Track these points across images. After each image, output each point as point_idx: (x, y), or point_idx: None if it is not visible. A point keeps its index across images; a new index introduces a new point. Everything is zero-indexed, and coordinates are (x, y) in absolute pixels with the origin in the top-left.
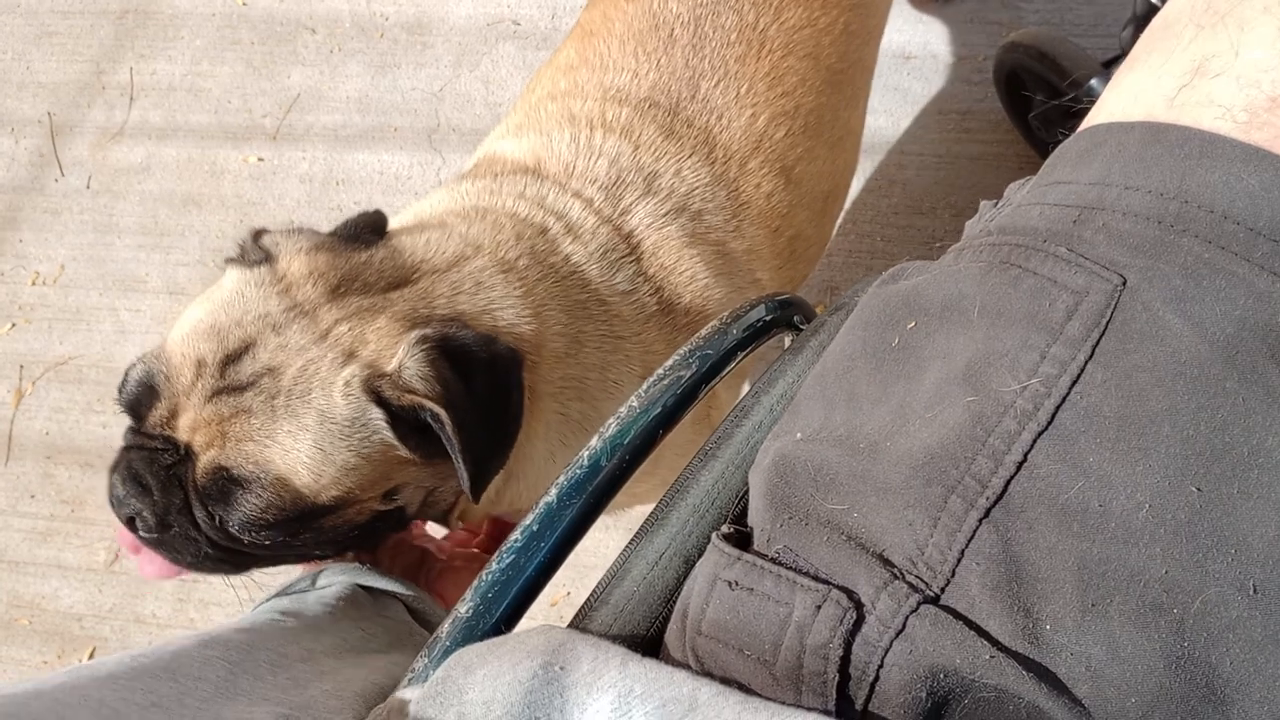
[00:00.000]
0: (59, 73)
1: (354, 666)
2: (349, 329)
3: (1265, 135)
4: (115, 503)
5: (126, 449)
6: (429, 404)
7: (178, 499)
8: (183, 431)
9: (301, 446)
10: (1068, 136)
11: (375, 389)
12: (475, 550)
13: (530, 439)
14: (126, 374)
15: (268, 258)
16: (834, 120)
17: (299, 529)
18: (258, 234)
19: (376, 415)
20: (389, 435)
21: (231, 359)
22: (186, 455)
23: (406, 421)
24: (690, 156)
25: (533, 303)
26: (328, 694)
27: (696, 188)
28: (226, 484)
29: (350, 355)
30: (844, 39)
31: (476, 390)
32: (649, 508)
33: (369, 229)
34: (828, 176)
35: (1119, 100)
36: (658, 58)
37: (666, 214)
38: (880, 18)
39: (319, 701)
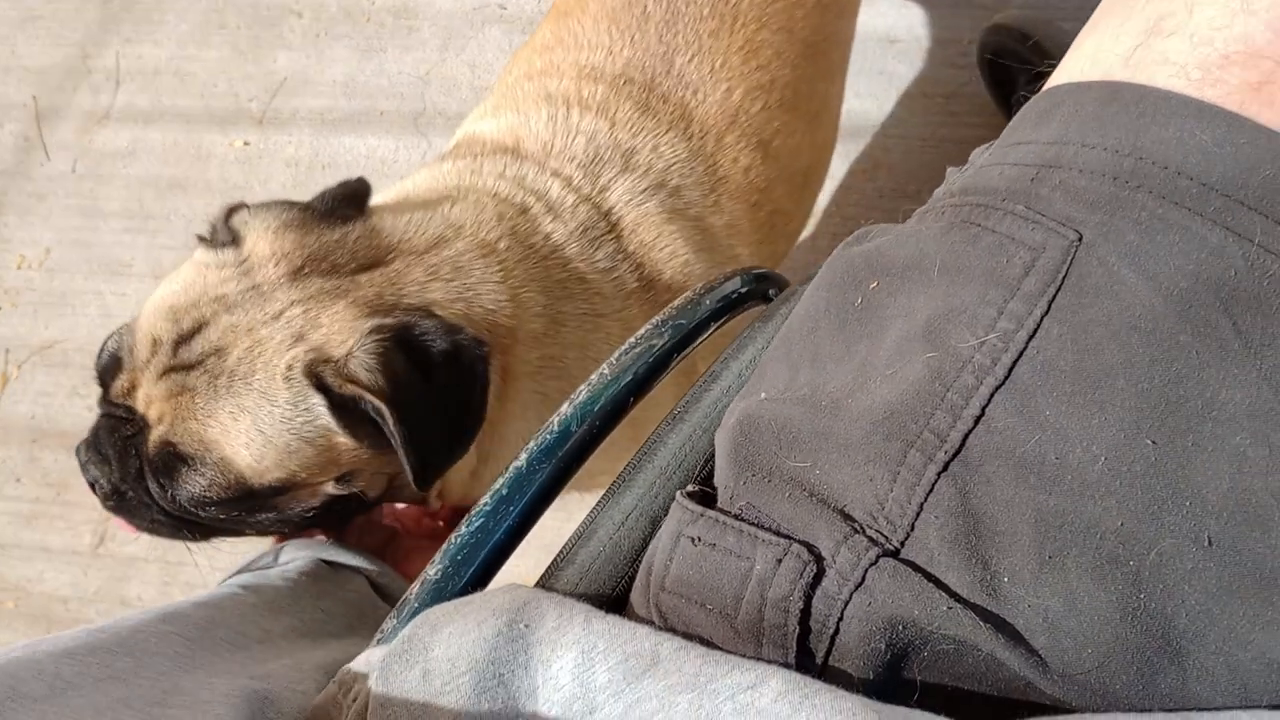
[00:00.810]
0: (44, 56)
1: (309, 650)
2: (303, 312)
3: (1218, 92)
4: (80, 467)
5: (99, 416)
6: (369, 397)
7: (134, 468)
8: (140, 403)
9: (241, 427)
10: None
11: (317, 374)
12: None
13: (507, 420)
14: (104, 344)
15: (234, 239)
16: (810, 94)
17: (249, 507)
18: (231, 211)
19: (317, 401)
20: (330, 422)
21: (184, 339)
22: (144, 427)
23: (353, 410)
24: (667, 132)
25: (511, 286)
26: (288, 666)
27: (674, 163)
28: (172, 460)
29: (299, 338)
30: (817, 12)
31: (436, 384)
32: None
33: (348, 200)
34: (806, 151)
35: (1078, 62)
36: (632, 34)
37: (645, 190)
38: None
39: (279, 673)
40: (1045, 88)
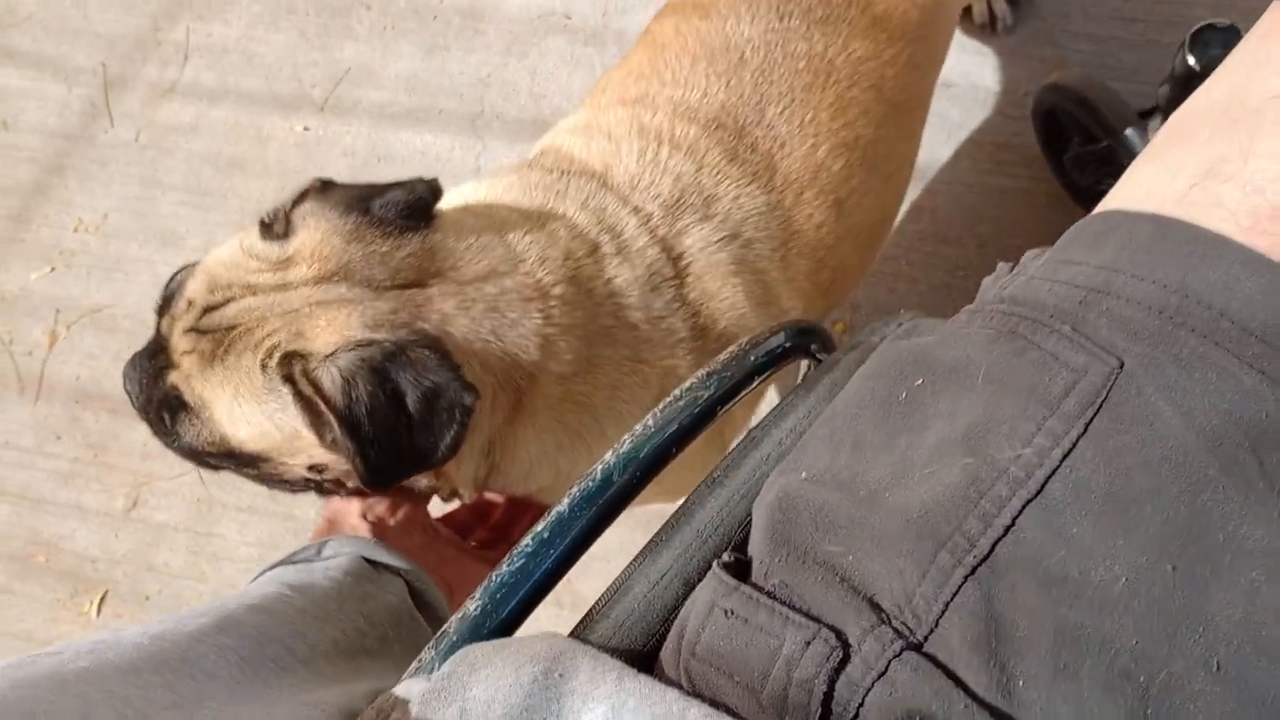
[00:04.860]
0: (116, 25)
1: (350, 680)
2: (310, 313)
3: (1266, 242)
4: (123, 376)
5: (152, 337)
6: (321, 405)
7: (156, 397)
8: (171, 347)
9: (225, 396)
10: (1099, 181)
11: (289, 368)
12: (478, 544)
13: (519, 442)
14: (173, 276)
15: (288, 230)
16: (889, 154)
17: (235, 464)
18: (302, 196)
19: (287, 393)
20: (296, 415)
21: (212, 309)
22: (169, 365)
23: (319, 411)
24: (750, 184)
25: (546, 333)
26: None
27: (752, 215)
28: (177, 403)
29: (296, 335)
30: (907, 71)
31: (405, 412)
32: (649, 507)
33: (412, 211)
34: (877, 209)
35: (1135, 190)
36: (728, 79)
37: (719, 240)
38: (943, 48)
39: (327, 701)
40: (1100, 209)
